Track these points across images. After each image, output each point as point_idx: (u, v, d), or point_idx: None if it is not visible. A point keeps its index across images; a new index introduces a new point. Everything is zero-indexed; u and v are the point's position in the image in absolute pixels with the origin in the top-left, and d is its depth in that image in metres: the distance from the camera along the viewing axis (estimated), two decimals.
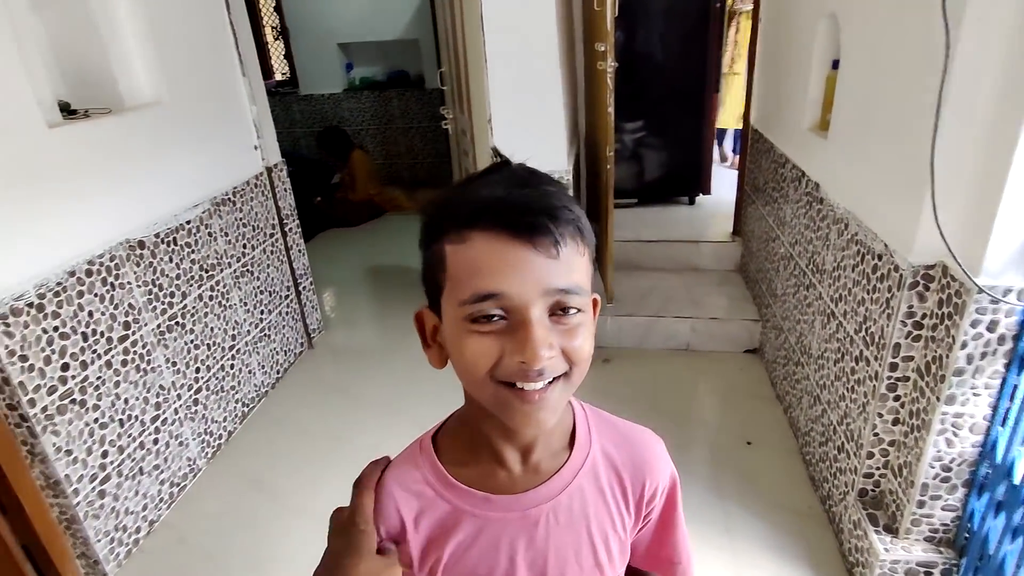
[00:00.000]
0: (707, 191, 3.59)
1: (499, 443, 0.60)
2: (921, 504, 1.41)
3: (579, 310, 0.52)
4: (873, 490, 1.57)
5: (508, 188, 0.52)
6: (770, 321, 2.43)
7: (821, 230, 1.81)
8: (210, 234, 2.20)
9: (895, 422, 1.47)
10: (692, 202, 3.63)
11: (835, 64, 1.86)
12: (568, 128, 2.30)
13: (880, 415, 1.47)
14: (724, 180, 3.70)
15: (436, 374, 2.60)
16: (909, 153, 1.32)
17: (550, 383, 0.52)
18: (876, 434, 1.49)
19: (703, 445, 2.14)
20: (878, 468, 1.54)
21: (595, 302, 0.58)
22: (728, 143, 4.67)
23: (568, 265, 0.51)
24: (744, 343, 2.64)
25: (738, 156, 4.68)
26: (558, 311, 0.51)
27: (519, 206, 0.50)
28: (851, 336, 1.60)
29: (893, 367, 1.40)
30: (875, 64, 1.49)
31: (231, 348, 2.32)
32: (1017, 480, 1.25)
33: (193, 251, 2.12)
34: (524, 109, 2.19)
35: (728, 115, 4.30)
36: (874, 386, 1.47)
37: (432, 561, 0.63)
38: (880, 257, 1.43)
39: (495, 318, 0.51)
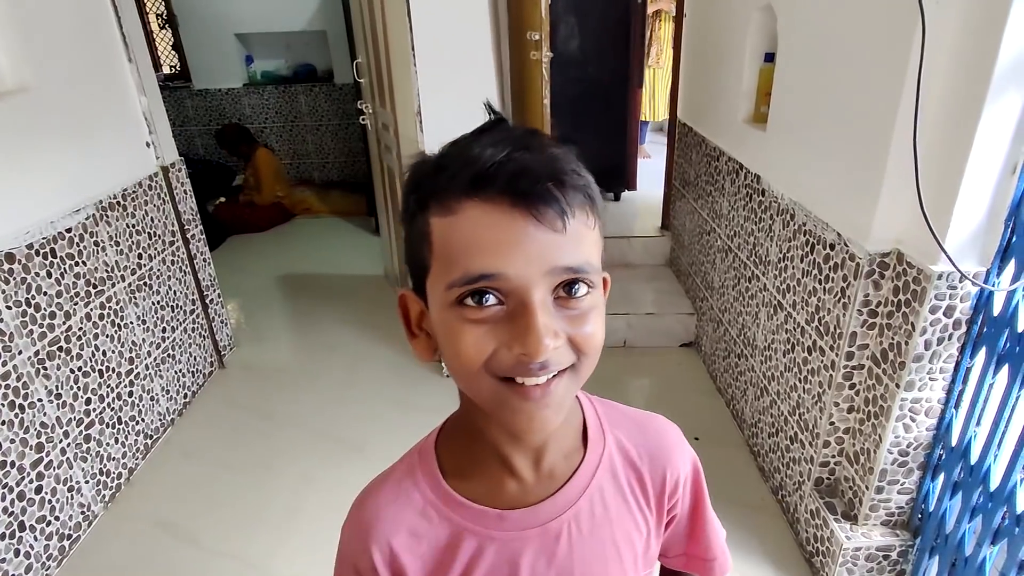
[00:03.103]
0: (632, 187, 3.61)
1: (506, 449, 0.53)
2: (879, 490, 1.42)
3: (589, 291, 0.45)
4: (828, 478, 1.58)
5: (506, 149, 0.43)
6: (707, 314, 2.44)
7: (764, 221, 1.81)
8: (97, 243, 1.91)
9: (850, 410, 1.47)
10: (617, 198, 3.64)
11: (768, 57, 1.87)
12: None
13: (836, 404, 1.47)
14: (647, 175, 3.73)
15: (367, 389, 2.41)
16: (862, 142, 1.32)
17: (554, 376, 0.45)
18: (832, 423, 1.49)
19: None
20: (833, 456, 1.54)
21: (605, 282, 0.51)
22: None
23: (577, 239, 0.43)
24: (680, 337, 2.64)
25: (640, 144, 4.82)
26: (563, 293, 0.44)
27: (520, 171, 0.42)
28: (802, 327, 1.60)
29: (849, 356, 1.41)
30: (818, 55, 1.49)
31: (128, 373, 2.03)
32: (973, 461, 1.27)
33: (77, 263, 1.82)
34: (455, 102, 2.06)
35: (649, 107, 4.44)
36: (830, 375, 1.47)
37: None
38: (832, 247, 1.43)
39: (490, 302, 0.43)
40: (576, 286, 0.44)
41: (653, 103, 4.52)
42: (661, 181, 3.06)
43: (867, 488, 1.44)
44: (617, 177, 3.57)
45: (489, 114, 0.49)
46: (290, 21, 4.62)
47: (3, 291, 1.55)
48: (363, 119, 2.94)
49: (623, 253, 3.05)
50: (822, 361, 1.50)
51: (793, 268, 1.64)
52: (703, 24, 2.38)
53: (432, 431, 0.59)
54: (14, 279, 1.59)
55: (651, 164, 4.18)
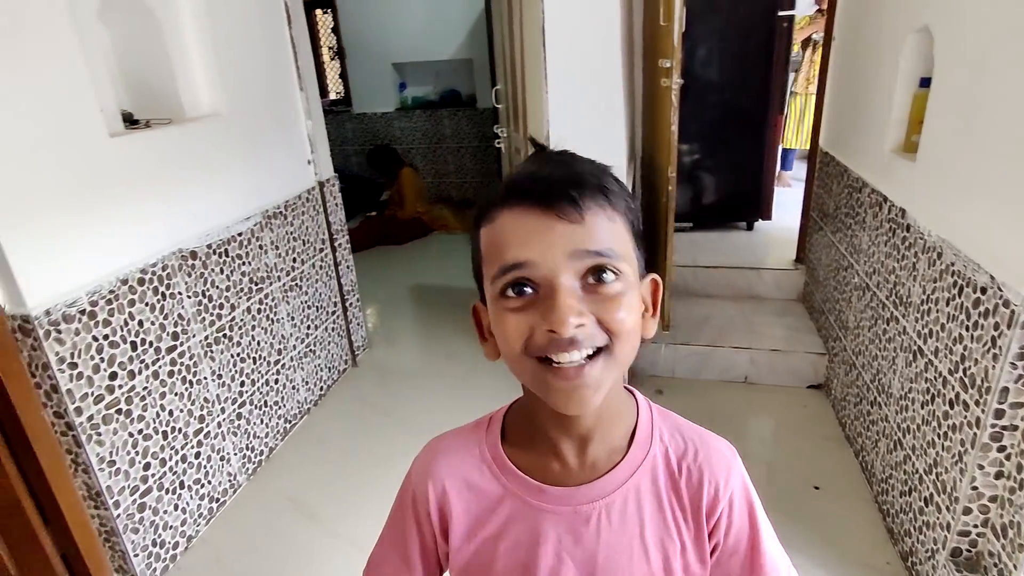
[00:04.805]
0: (767, 216, 3.44)
1: (554, 433, 0.58)
2: None
3: (616, 276, 0.50)
4: (969, 551, 1.40)
5: (534, 167, 0.54)
6: (839, 355, 2.26)
7: (907, 259, 1.66)
8: (261, 247, 2.19)
9: (998, 475, 1.30)
10: (750, 227, 3.48)
11: (923, 82, 1.73)
12: (627, 148, 2.21)
13: (981, 467, 1.31)
14: (784, 205, 3.54)
15: (481, 398, 2.54)
16: None
17: (591, 358, 0.50)
18: (975, 488, 1.33)
19: (764, 487, 1.98)
20: (976, 526, 1.37)
21: (655, 284, 0.57)
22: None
23: (595, 229, 0.49)
24: (808, 378, 2.47)
25: (786, 171, 4.56)
26: (592, 279, 0.49)
27: (542, 179, 0.51)
28: (944, 377, 1.45)
29: (999, 414, 1.25)
30: (979, 79, 1.36)
31: (276, 363, 2.29)
32: None
33: (244, 263, 2.10)
34: (583, 127, 2.12)
35: (795, 134, 4.24)
36: (974, 434, 1.31)
37: (479, 541, 0.61)
38: (983, 290, 1.29)
39: (526, 291, 0.50)
40: (604, 273, 0.49)
41: (799, 130, 4.28)
42: (799, 212, 2.89)
43: (1016, 567, 1.26)
44: (752, 206, 3.43)
45: (533, 147, 0.60)
46: (440, 51, 4.99)
47: (186, 283, 1.84)
48: (498, 142, 3.09)
49: (751, 285, 2.92)
50: (965, 417, 1.35)
51: (937, 311, 1.49)
52: (852, 48, 2.25)
53: (504, 405, 0.66)
54: (195, 273, 1.87)
55: (789, 194, 3.95)
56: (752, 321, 2.71)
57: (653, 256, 2.58)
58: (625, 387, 0.63)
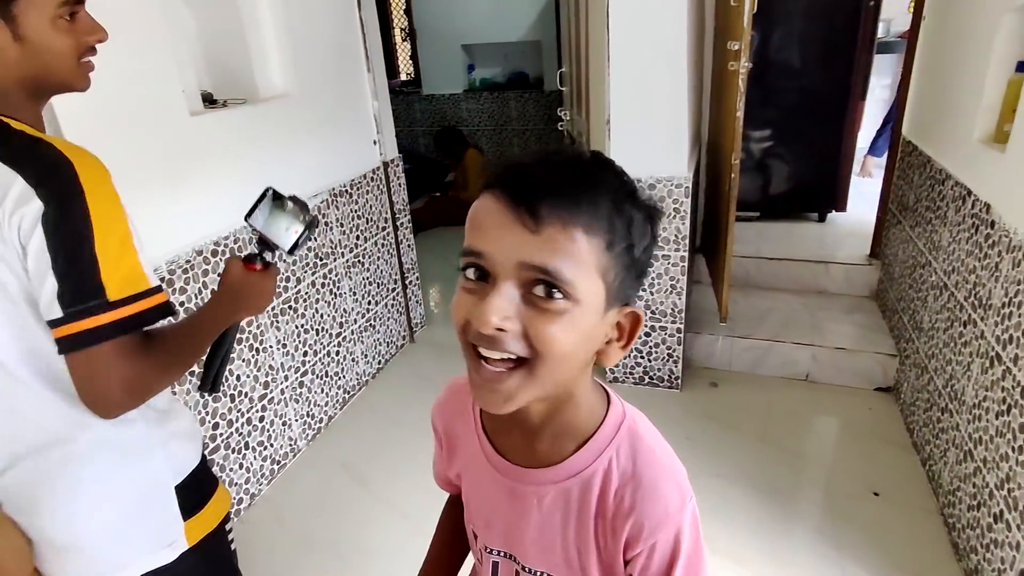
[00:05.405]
0: (842, 208, 3.26)
1: (504, 416, 0.58)
2: None
3: (566, 298, 0.48)
4: None
5: (538, 160, 0.51)
6: (910, 357, 2.14)
7: (989, 259, 1.55)
8: (327, 223, 2.28)
9: None
10: (822, 219, 3.32)
11: (1020, 66, 1.60)
12: (691, 133, 2.15)
13: None
14: (862, 196, 3.36)
15: None
16: None
17: (512, 369, 0.50)
18: None
19: (819, 488, 1.92)
20: None
21: (635, 318, 0.55)
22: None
23: (551, 245, 0.47)
24: (876, 379, 2.35)
25: (874, 157, 4.25)
26: (536, 291, 0.48)
27: (525, 176, 0.49)
28: (1023, 386, 1.35)
29: None
30: None
31: (338, 335, 2.39)
32: None
33: (310, 239, 2.19)
34: (645, 111, 2.07)
35: None
36: None
37: (457, 465, 0.72)
38: None
39: (480, 277, 0.50)
40: (552, 290, 0.48)
41: None
42: (876, 204, 2.74)
43: None
44: (825, 196, 3.26)
45: (569, 141, 0.59)
46: (509, 32, 4.97)
47: None
48: (561, 125, 3.08)
49: (818, 279, 2.79)
50: None
51: (1019, 316, 1.39)
52: (942, 27, 2.09)
53: None
54: None
55: (869, 184, 3.73)
56: (817, 317, 2.60)
57: (714, 245, 2.51)
58: (606, 390, 0.63)
